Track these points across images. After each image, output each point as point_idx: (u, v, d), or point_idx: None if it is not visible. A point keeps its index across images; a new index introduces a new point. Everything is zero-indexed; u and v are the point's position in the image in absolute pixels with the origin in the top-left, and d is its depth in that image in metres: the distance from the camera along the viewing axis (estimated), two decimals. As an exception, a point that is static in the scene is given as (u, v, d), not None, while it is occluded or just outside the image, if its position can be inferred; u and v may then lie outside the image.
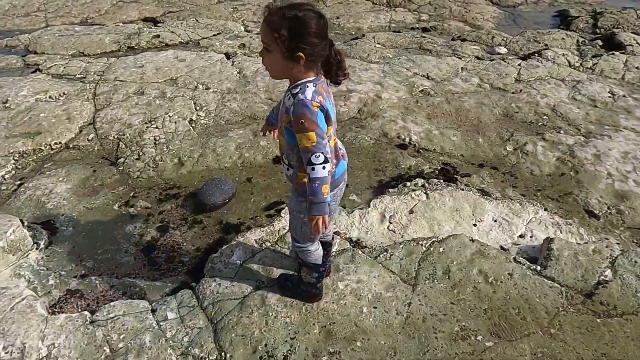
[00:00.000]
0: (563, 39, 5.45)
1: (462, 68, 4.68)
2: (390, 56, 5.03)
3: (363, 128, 3.74)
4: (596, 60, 4.81)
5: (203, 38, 5.52)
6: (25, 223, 2.73)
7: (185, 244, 2.74)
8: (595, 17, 6.29)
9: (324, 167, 1.66)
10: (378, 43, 5.41)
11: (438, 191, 3.01)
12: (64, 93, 4.18)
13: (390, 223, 2.83)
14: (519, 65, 4.68)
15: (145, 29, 5.78)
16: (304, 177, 1.77)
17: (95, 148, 3.57)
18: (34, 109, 3.90)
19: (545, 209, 2.95)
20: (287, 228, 2.62)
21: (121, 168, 3.32)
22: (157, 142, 3.55)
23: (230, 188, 3.04)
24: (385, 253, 2.53)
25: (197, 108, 3.97)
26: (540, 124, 3.83)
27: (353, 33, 6.15)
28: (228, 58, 4.86)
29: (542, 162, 3.39)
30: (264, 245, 2.59)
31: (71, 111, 3.88)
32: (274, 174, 3.26)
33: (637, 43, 5.12)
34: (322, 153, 1.65)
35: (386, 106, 4.02)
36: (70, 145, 3.58)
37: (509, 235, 2.79)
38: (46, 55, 5.11)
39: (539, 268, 2.44)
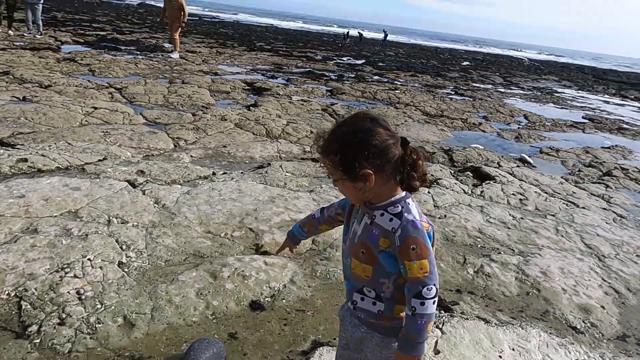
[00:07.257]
0: (441, 170, 6.18)
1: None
2: (306, 184, 4.93)
3: (329, 260, 3.40)
4: (481, 188, 5.51)
5: (87, 163, 4.60)
6: None
7: None
8: (448, 154, 7.39)
9: (434, 302, 1.40)
10: (287, 172, 5.30)
11: (448, 324, 2.80)
12: None
13: (425, 368, 2.46)
14: (429, 192, 5.05)
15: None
16: (401, 312, 1.48)
17: (-20, 314, 2.40)
18: None
19: (544, 331, 2.97)
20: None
21: (37, 341, 2.26)
22: (82, 297, 2.57)
23: (221, 349, 2.30)
24: (455, 409, 2.13)
25: (124, 247, 3.10)
26: (479, 245, 4.05)
27: (247, 162, 5.95)
28: (134, 186, 4.08)
29: (505, 282, 3.50)
30: None
31: None
32: (261, 325, 2.62)
33: (499, 175, 6.10)
34: (434, 285, 1.40)
35: (338, 235, 3.78)
36: None
37: (533, 364, 2.67)
38: None
39: (596, 397, 2.34)
